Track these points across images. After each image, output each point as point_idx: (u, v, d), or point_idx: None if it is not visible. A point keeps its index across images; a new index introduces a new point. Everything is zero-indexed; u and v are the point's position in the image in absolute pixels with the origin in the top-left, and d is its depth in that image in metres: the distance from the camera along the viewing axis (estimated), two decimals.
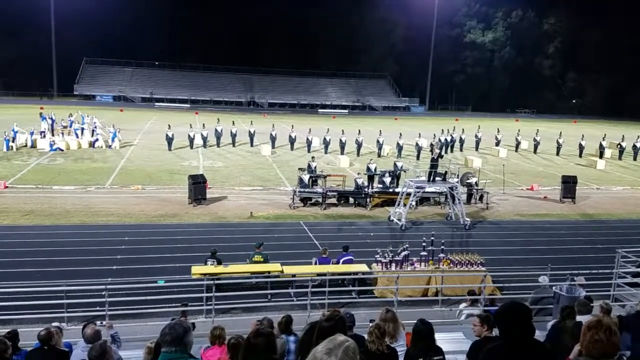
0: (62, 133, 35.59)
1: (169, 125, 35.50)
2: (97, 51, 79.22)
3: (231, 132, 37.04)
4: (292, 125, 39.50)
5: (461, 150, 39.20)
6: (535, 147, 40.24)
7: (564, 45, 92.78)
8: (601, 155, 37.81)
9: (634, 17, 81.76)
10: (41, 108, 45.59)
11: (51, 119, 37.38)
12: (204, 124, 38.03)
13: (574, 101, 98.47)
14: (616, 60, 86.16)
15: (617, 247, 13.79)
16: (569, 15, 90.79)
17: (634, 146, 39.75)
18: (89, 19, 74.86)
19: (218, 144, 36.45)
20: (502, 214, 21.93)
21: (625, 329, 7.07)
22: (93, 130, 36.71)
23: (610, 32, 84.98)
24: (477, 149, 39.73)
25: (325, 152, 35.40)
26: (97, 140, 35.09)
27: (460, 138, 40.04)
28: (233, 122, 38.71)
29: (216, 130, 36.55)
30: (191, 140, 35.57)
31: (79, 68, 79.01)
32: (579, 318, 6.95)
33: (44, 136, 34.21)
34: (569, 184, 24.25)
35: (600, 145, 38.65)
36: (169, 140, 34.35)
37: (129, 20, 77.90)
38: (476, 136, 40.29)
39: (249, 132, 37.71)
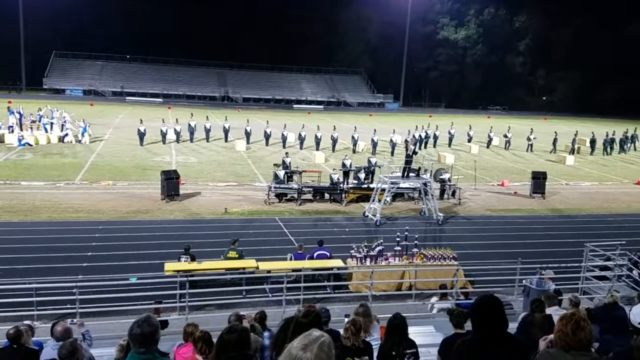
0: (31, 128, 34.75)
1: (141, 120, 34.99)
2: (67, 44, 77.41)
3: (205, 127, 36.71)
4: (267, 121, 39.36)
5: (434, 146, 39.59)
6: (507, 143, 40.88)
7: (535, 43, 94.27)
8: (573, 151, 38.71)
9: (603, 16, 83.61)
10: (9, 102, 44.44)
11: (19, 113, 36.45)
12: (177, 119, 37.58)
13: (544, 98, 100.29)
14: (586, 58, 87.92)
15: (586, 241, 14.13)
16: (539, 14, 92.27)
17: (604, 142, 40.90)
18: (58, 11, 73.12)
19: (191, 139, 36.09)
20: (473, 209, 22.26)
21: (593, 321, 7.25)
22: (62, 125, 35.94)
23: (580, 30, 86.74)
24: (449, 145, 40.19)
25: (301, 148, 35.35)
26: (66, 135, 34.35)
27: (434, 134, 40.44)
28: (207, 117, 38.36)
29: (189, 125, 36.17)
30: (164, 135, 35.14)
31: (48, 61, 77.15)
32: (547, 310, 7.11)
33: (12, 131, 33.36)
34: (538, 180, 24.73)
35: (573, 141, 39.66)
36: (141, 135, 33.87)
37: (100, 13, 76.41)
38: (449, 132, 40.76)
39: (224, 127, 37.42)
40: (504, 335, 3.70)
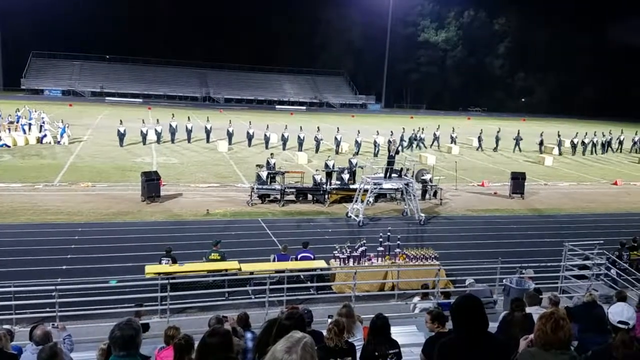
0: (9, 129, 34.17)
1: (121, 121, 34.62)
2: (45, 44, 76.09)
3: (187, 128, 36.42)
4: (250, 122, 39.22)
5: (419, 148, 39.53)
6: (496, 144, 41.13)
7: (514, 45, 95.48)
8: (560, 146, 40.53)
9: (580, 18, 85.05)
10: None
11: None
12: (157, 119, 37.24)
13: (522, 100, 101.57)
14: (563, 60, 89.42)
15: (564, 240, 14.33)
16: (518, 16, 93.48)
17: (583, 142, 41.97)
18: (36, 10, 71.95)
19: (172, 140, 35.80)
20: (454, 210, 22.45)
21: (572, 319, 7.36)
22: (41, 126, 35.39)
23: (558, 33, 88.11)
24: (431, 145, 40.37)
25: (284, 149, 35.24)
26: (45, 135, 33.84)
27: (420, 137, 40.27)
28: (188, 117, 38.09)
29: (170, 125, 35.84)
30: (144, 136, 34.82)
31: (26, 61, 75.89)
32: (528, 309, 7.19)
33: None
34: (518, 180, 25.03)
35: (559, 142, 40.80)
36: (121, 136, 33.52)
37: (79, 12, 75.35)
38: (434, 135, 40.81)
39: (206, 128, 37.20)
40: (484, 335, 3.75)
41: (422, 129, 41.02)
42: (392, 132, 34.44)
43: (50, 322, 8.24)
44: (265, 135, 36.07)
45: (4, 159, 27.98)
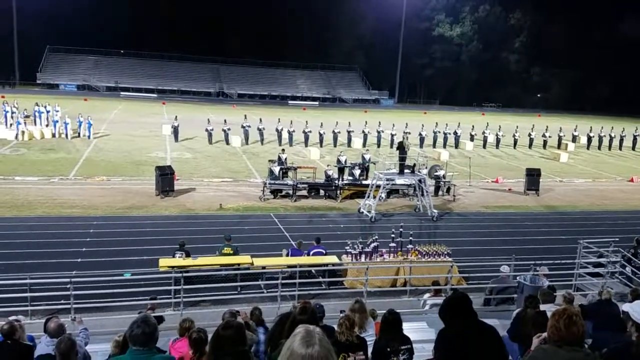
0: (25, 123, 34.50)
1: (176, 117, 35.07)
2: (60, 39, 76.72)
3: (242, 127, 35.36)
4: (260, 118, 39.13)
5: (434, 146, 38.62)
6: (515, 142, 40.61)
7: (529, 40, 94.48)
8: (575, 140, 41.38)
9: (597, 13, 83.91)
10: (2, 97, 44.22)
11: (16, 107, 36.16)
12: (208, 119, 36.56)
13: (538, 95, 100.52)
14: (580, 55, 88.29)
15: (579, 238, 14.22)
16: (534, 10, 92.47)
17: (600, 137, 42.11)
18: (52, 5, 72.54)
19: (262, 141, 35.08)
20: (468, 206, 22.31)
21: (586, 317, 7.30)
22: (55, 121, 35.59)
23: (574, 27, 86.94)
24: (444, 144, 39.71)
25: (306, 145, 34.81)
26: (66, 126, 33.93)
27: (435, 132, 39.64)
28: (245, 115, 37.33)
29: (223, 130, 34.81)
30: (209, 134, 34.43)
31: (42, 56, 76.65)
32: (542, 307, 7.14)
33: (11, 125, 33.15)
34: (532, 177, 24.81)
35: (573, 137, 41.56)
36: (176, 131, 34.14)
37: (94, 8, 75.88)
38: (455, 133, 39.56)
39: (242, 125, 36.01)
40: (475, 323, 4.20)
41: (446, 124, 40.41)
42: (393, 124, 34.54)
43: (69, 316, 8.36)
44: (277, 129, 35.89)
45: (20, 152, 28.32)
